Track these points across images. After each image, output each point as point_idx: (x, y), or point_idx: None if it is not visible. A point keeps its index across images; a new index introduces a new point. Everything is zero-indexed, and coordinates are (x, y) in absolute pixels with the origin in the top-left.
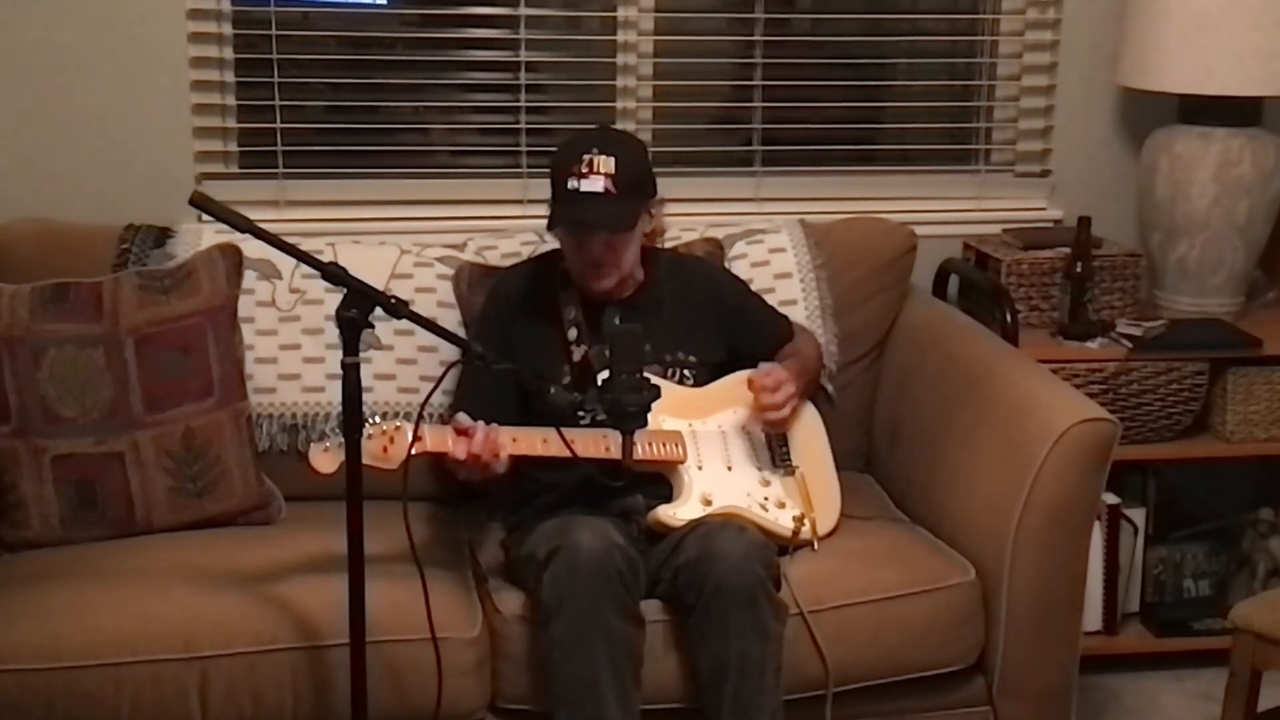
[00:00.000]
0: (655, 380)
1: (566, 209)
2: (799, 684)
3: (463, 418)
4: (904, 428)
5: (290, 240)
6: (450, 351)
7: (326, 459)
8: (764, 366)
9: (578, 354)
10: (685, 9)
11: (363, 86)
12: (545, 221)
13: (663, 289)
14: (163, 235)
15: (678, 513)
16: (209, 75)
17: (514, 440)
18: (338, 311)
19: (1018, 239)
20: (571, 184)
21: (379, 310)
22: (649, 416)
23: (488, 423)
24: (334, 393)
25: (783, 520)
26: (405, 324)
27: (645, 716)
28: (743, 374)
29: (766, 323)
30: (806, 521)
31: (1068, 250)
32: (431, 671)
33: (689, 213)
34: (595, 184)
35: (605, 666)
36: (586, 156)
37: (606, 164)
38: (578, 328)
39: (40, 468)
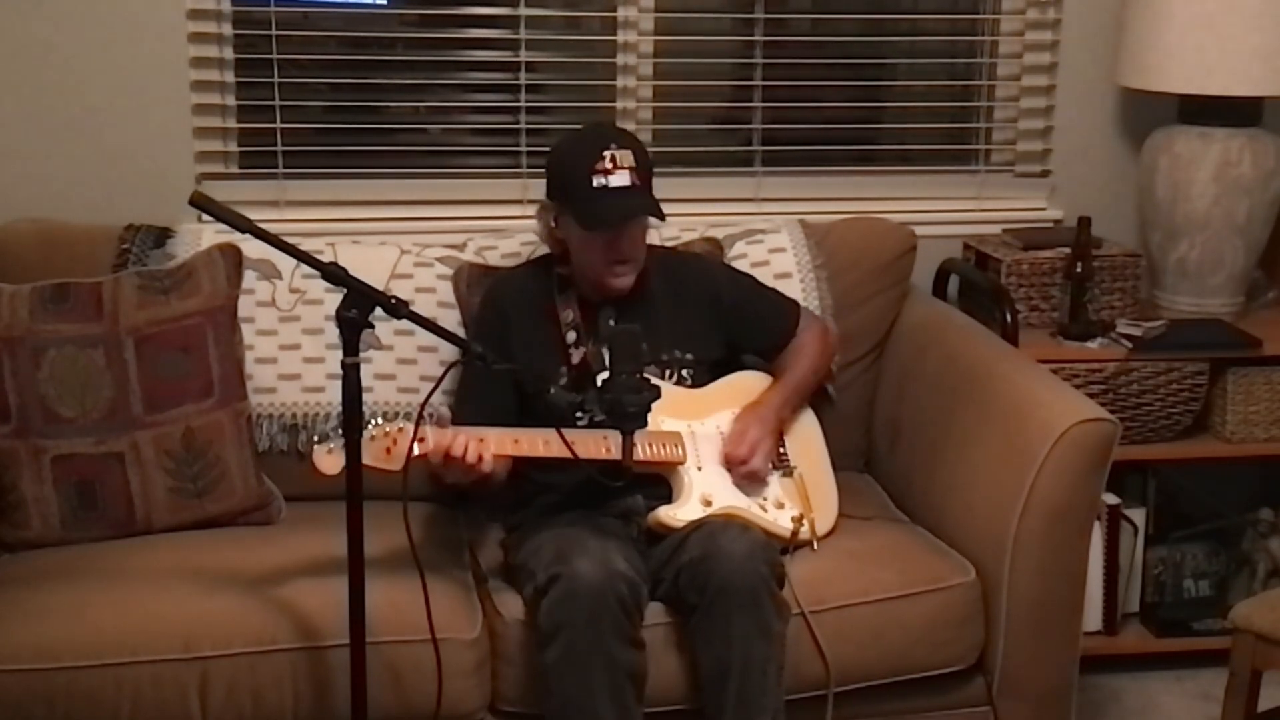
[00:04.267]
0: (655, 381)
1: (603, 206)
2: (800, 684)
3: (443, 411)
4: (904, 428)
5: (290, 240)
6: (450, 352)
7: (330, 460)
8: (734, 431)
9: (576, 356)
10: (685, 9)
11: (363, 86)
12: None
13: (658, 288)
14: (163, 235)
15: (678, 513)
16: (209, 75)
17: (515, 442)
18: (338, 311)
19: (1018, 239)
20: (599, 181)
21: (379, 310)
22: (648, 417)
23: (488, 424)
24: (334, 393)
25: (782, 520)
26: (405, 324)
27: (647, 718)
28: (743, 374)
29: (770, 317)
30: (805, 521)
31: (1068, 250)
32: (431, 672)
33: (689, 213)
34: (623, 178)
35: (604, 693)
36: (608, 152)
37: (627, 157)
38: (576, 330)
39: (40, 468)
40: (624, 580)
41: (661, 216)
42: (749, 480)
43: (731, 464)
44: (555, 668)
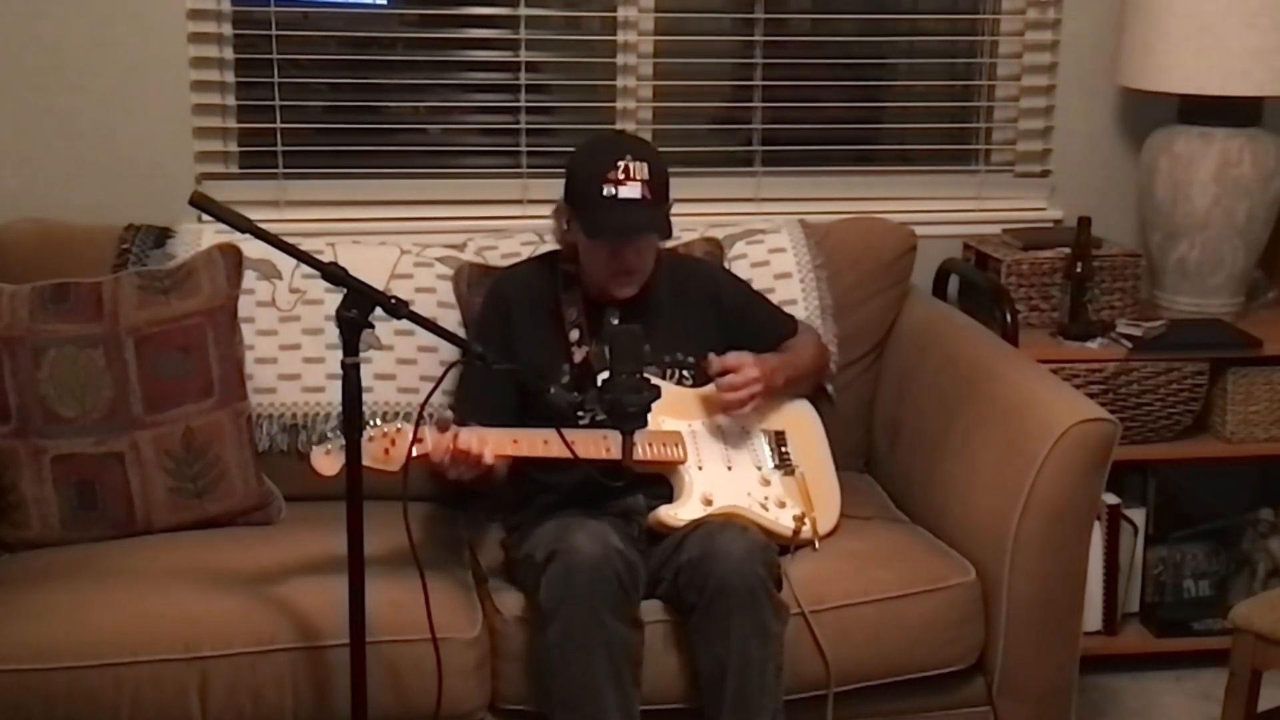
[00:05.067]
0: (655, 381)
1: (608, 216)
2: (800, 684)
3: (445, 413)
4: (904, 428)
5: (290, 240)
6: (450, 351)
7: (328, 461)
8: (729, 356)
9: (578, 355)
10: (685, 9)
11: (363, 86)
12: (547, 222)
13: (661, 290)
14: (163, 235)
15: (678, 513)
16: (209, 75)
17: (515, 442)
18: (338, 311)
19: (1018, 239)
20: (609, 190)
21: (379, 310)
22: (649, 417)
23: (487, 424)
24: (334, 393)
25: (783, 520)
26: (405, 324)
27: (645, 717)
28: None
29: (768, 324)
30: (807, 521)
31: (1068, 250)
32: (431, 672)
33: (689, 213)
34: (634, 190)
35: (604, 670)
36: (622, 163)
37: (641, 169)
38: (579, 329)
39: (40, 468)
40: (621, 557)
41: (668, 234)
42: (726, 406)
43: (719, 374)
44: (556, 646)
